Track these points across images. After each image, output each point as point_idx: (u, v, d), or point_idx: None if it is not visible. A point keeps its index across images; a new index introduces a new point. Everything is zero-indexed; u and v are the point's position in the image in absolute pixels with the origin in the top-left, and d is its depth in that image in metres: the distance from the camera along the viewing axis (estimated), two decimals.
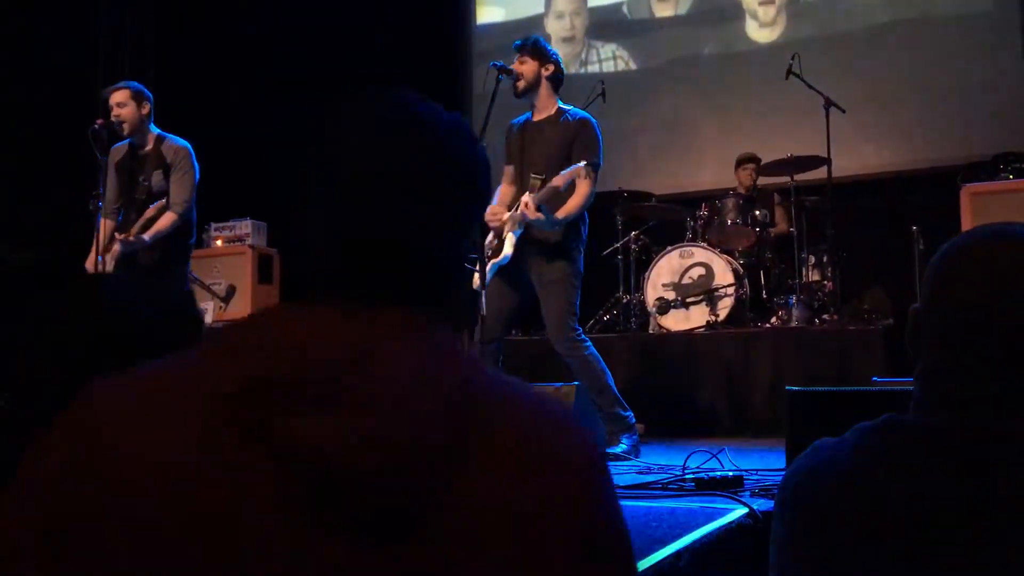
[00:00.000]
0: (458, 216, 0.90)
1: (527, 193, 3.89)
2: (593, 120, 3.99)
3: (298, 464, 0.74)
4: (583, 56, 7.88)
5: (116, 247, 4.33)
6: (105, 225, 4.52)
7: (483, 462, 0.78)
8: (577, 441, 0.84)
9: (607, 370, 3.93)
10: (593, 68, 7.78)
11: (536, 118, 4.06)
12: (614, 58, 7.78)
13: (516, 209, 3.90)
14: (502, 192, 4.11)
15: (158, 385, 0.81)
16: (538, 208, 3.77)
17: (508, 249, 3.88)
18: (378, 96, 0.91)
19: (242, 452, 0.75)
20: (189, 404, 0.77)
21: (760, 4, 7.29)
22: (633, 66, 7.72)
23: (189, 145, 4.52)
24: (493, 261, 3.93)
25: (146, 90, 4.53)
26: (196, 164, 4.50)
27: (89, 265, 4.46)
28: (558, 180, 3.73)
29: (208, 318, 6.04)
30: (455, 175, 0.89)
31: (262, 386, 0.76)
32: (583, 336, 3.95)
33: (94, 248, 4.47)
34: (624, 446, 3.85)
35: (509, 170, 4.13)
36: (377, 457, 0.74)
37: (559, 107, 4.03)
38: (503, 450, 0.79)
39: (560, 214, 3.83)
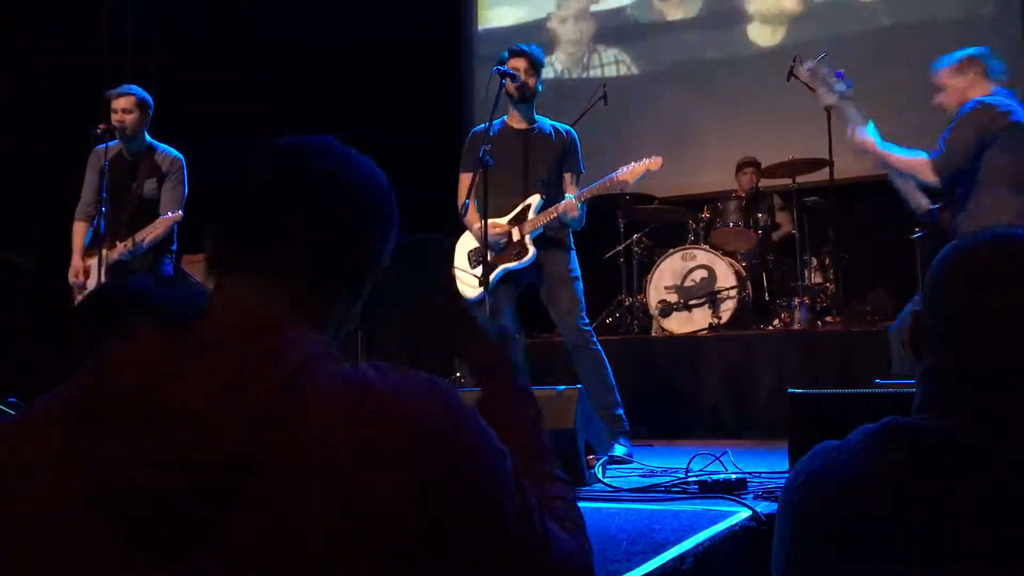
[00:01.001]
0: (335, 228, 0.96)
1: (537, 196, 4.04)
2: (575, 132, 4.23)
3: (97, 483, 0.79)
4: (586, 60, 7.89)
5: (115, 254, 4.35)
6: (79, 228, 4.56)
7: (287, 472, 0.78)
8: (402, 429, 0.81)
9: (610, 369, 4.02)
10: (596, 72, 7.78)
11: (521, 126, 4.13)
12: (616, 62, 7.79)
13: (531, 211, 4.01)
14: (481, 199, 4.07)
15: (31, 412, 0.89)
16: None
17: (532, 249, 4.00)
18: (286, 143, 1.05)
19: (58, 475, 0.81)
20: (36, 426, 0.86)
21: (762, 8, 7.30)
22: (636, 70, 7.72)
23: (182, 157, 4.57)
24: (508, 264, 3.99)
25: (148, 97, 4.55)
26: (187, 177, 4.56)
27: (72, 273, 4.48)
28: (629, 175, 3.98)
29: None
30: (331, 200, 0.98)
31: (75, 410, 0.82)
32: (592, 330, 4.08)
33: (74, 255, 4.52)
34: (625, 449, 3.86)
35: (472, 176, 4.12)
36: (157, 476, 0.77)
37: (539, 119, 4.17)
38: (309, 457, 0.78)
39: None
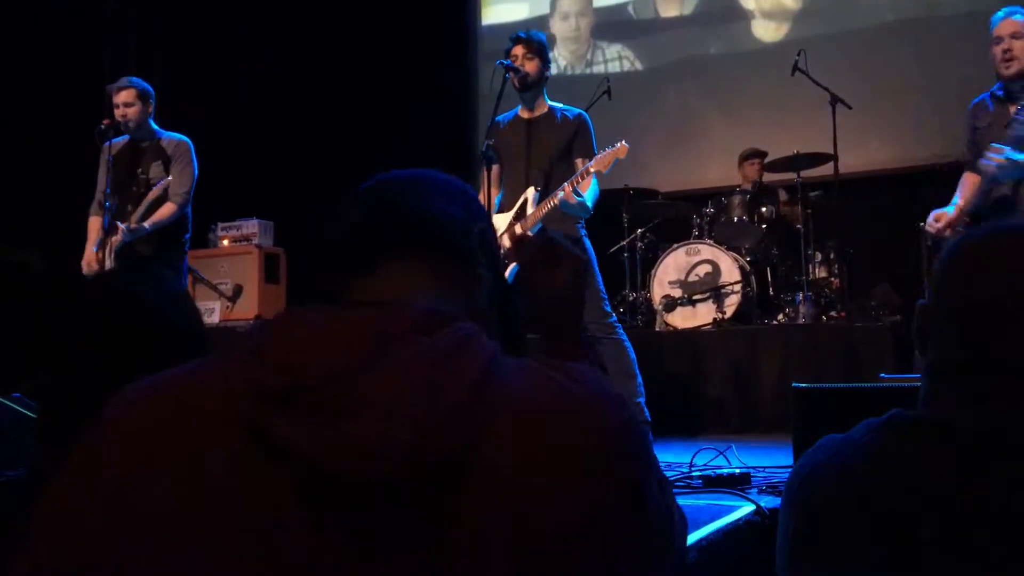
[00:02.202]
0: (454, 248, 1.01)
1: (533, 188, 3.97)
2: (587, 115, 4.11)
3: (295, 469, 0.76)
4: (588, 56, 7.88)
5: (118, 237, 4.35)
6: (94, 222, 4.57)
7: (494, 463, 0.78)
8: (594, 428, 0.83)
9: (636, 360, 4.00)
10: (599, 68, 7.78)
11: (530, 115, 4.10)
12: (620, 58, 7.78)
13: (530, 204, 3.96)
14: (486, 196, 4.06)
15: (170, 395, 0.85)
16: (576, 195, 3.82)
17: None
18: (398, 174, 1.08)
19: (247, 459, 0.78)
20: (198, 413, 0.81)
21: (765, 3, 7.29)
22: (639, 66, 7.72)
23: (188, 140, 4.57)
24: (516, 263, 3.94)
25: (149, 87, 4.57)
26: (195, 159, 4.54)
27: (85, 264, 4.50)
28: (598, 165, 3.82)
29: (215, 318, 6.06)
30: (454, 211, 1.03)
31: (265, 393, 0.78)
32: (617, 322, 4.04)
33: (87, 247, 4.53)
34: None
35: (495, 169, 4.11)
36: (369, 464, 0.75)
37: (549, 105, 4.10)
38: (515, 449, 0.79)
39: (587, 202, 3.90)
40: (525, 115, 4.10)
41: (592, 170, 3.83)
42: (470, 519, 0.77)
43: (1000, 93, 3.82)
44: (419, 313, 0.85)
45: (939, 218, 3.91)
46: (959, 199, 3.97)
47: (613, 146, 3.81)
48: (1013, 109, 3.71)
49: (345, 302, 0.94)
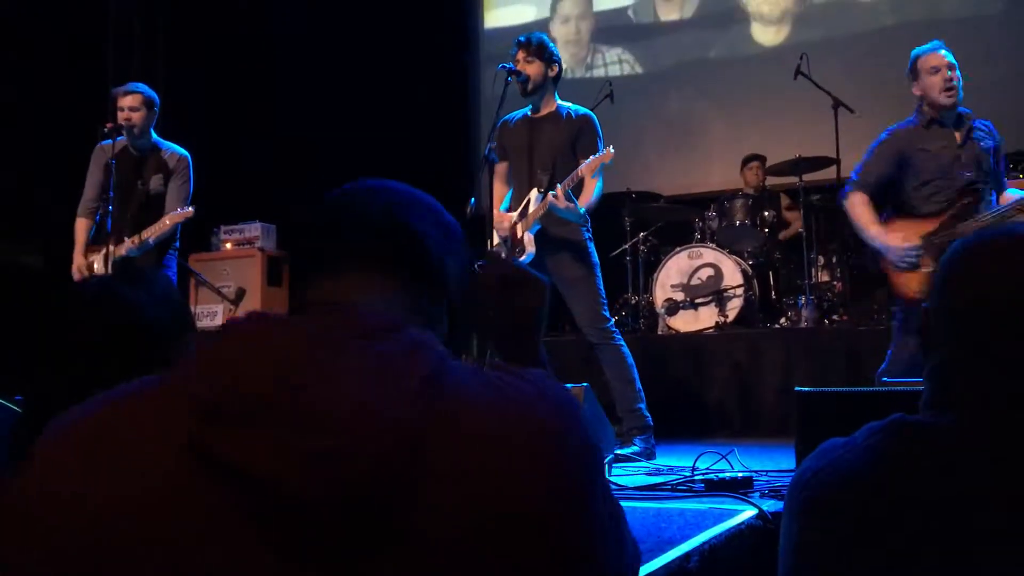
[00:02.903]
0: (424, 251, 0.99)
1: (536, 189, 3.94)
2: (593, 115, 4.06)
3: (238, 484, 0.75)
4: (589, 60, 7.89)
5: (123, 249, 4.38)
6: (81, 224, 4.59)
7: (444, 469, 0.77)
8: (537, 422, 0.83)
9: (634, 366, 3.97)
10: (599, 72, 7.78)
11: (537, 115, 4.07)
12: (620, 61, 7.79)
13: (531, 205, 3.92)
14: (498, 194, 4.07)
15: (102, 421, 0.83)
16: (568, 198, 3.77)
17: (531, 247, 3.91)
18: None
19: (189, 474, 0.76)
20: (133, 436, 0.80)
21: (766, 7, 7.29)
22: (639, 69, 7.72)
23: (188, 155, 4.60)
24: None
25: (155, 95, 4.58)
26: (192, 175, 4.59)
27: (75, 270, 4.51)
28: (586, 169, 3.77)
29: (218, 320, 6.07)
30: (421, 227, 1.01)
31: (207, 408, 0.77)
32: (615, 327, 4.01)
33: (76, 252, 4.55)
34: (636, 447, 3.84)
35: (502, 168, 4.10)
36: (313, 477, 0.74)
37: (558, 104, 4.07)
38: (463, 449, 0.79)
39: (583, 205, 3.85)
40: (531, 115, 4.09)
41: (580, 174, 3.79)
42: (422, 523, 0.76)
43: (938, 118, 3.86)
44: (367, 319, 0.85)
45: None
46: (873, 226, 3.95)
47: (599, 153, 3.79)
48: (959, 135, 3.78)
49: (292, 308, 0.92)
